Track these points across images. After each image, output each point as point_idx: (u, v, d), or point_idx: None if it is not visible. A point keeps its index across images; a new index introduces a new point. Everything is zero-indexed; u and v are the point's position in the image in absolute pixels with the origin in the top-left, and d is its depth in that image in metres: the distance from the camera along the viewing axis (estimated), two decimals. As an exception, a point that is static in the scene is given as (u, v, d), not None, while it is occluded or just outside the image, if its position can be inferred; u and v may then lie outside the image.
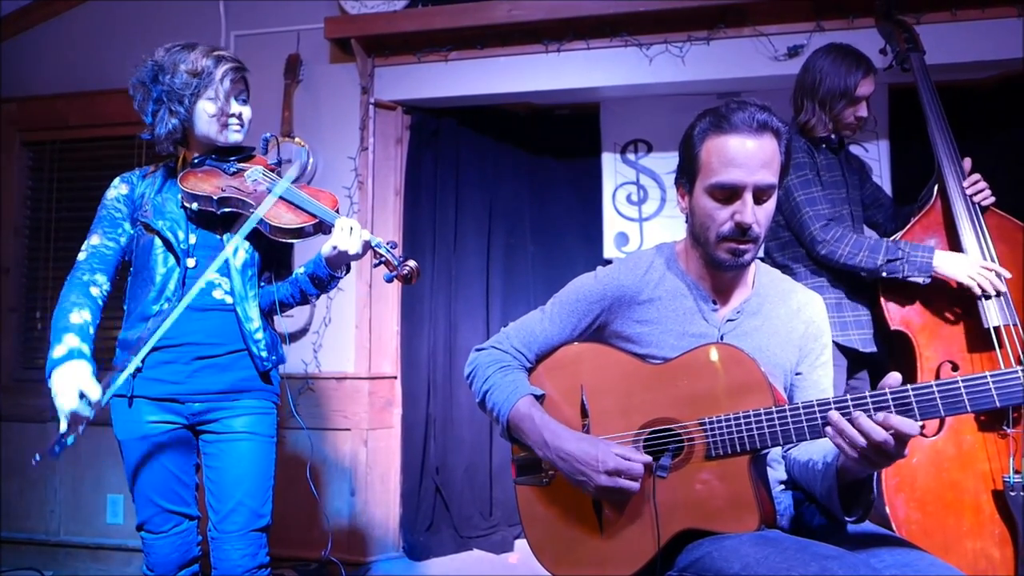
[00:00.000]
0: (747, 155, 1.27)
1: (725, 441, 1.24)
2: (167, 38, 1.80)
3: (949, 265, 2.03)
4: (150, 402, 1.71)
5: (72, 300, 1.66)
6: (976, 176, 2.15)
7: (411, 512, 3.08)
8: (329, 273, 1.77)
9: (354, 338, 3.04)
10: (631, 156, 3.29)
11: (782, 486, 1.45)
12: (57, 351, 1.58)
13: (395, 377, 3.14)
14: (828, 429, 1.14)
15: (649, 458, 1.28)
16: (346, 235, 1.68)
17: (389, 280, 1.70)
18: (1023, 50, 2.57)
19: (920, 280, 2.05)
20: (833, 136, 2.25)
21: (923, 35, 2.32)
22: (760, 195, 1.29)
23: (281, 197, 1.71)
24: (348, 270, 1.83)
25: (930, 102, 2.21)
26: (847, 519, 1.22)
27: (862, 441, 1.09)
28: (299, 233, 1.70)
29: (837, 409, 1.16)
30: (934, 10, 2.64)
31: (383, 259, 1.71)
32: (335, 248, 1.69)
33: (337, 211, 1.74)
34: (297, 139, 3.06)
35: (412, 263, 1.69)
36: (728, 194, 1.29)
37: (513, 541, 3.08)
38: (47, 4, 3.39)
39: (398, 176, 3.21)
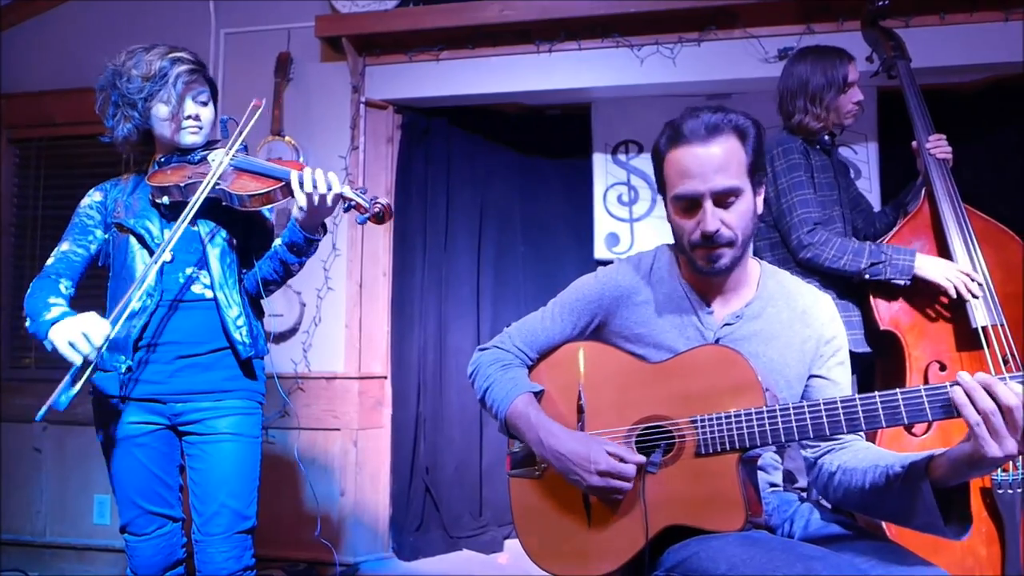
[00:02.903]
0: (699, 164, 1.28)
1: (715, 439, 1.24)
2: (156, 36, 1.78)
3: (929, 268, 2.07)
4: (131, 402, 1.69)
5: (46, 293, 1.63)
6: (941, 135, 2.20)
7: (401, 512, 3.08)
8: (306, 236, 1.74)
9: (344, 338, 3.03)
10: (622, 157, 3.30)
11: (772, 488, 1.46)
12: (48, 315, 1.55)
13: (385, 377, 3.13)
14: (960, 387, 1.04)
15: (642, 458, 1.29)
16: (310, 186, 1.65)
17: (362, 222, 1.68)
18: (1017, 54, 2.59)
19: (901, 282, 2.09)
20: (826, 137, 2.27)
21: (911, 39, 2.34)
22: (723, 199, 1.29)
23: (244, 169, 1.71)
24: (325, 230, 1.81)
25: (917, 108, 2.24)
26: (947, 531, 1.11)
27: (1005, 398, 1.00)
28: (269, 198, 1.68)
29: (826, 411, 1.17)
30: (922, 14, 2.66)
31: (352, 203, 1.68)
32: (304, 200, 1.67)
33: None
34: (287, 138, 3.05)
35: (383, 200, 1.66)
36: (688, 204, 1.31)
37: (503, 541, 3.09)
38: (34, 0, 3.36)
39: (389, 175, 3.21)
